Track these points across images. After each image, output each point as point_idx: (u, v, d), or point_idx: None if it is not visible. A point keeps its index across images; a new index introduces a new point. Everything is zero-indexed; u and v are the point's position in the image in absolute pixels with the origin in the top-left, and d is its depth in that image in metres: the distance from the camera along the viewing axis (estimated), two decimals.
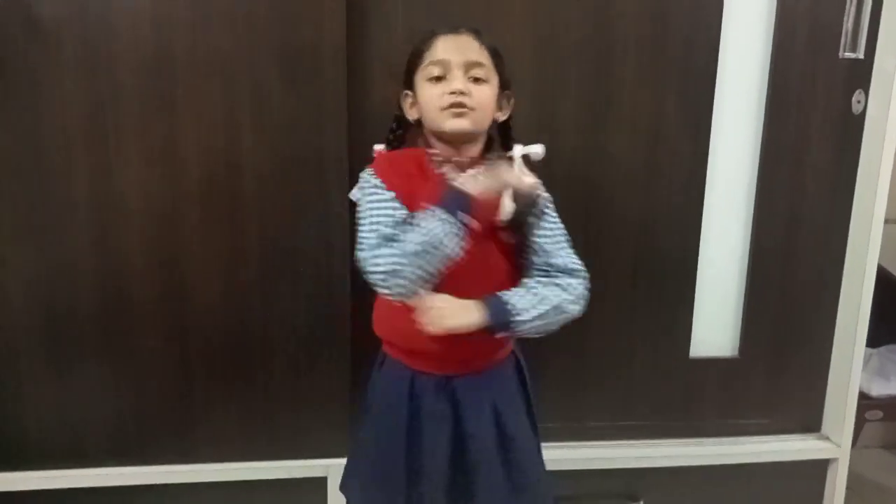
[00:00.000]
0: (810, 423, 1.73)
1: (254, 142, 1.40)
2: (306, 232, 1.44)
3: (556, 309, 1.11)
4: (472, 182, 1.06)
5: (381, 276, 1.02)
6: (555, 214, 1.19)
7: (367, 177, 1.14)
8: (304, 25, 1.36)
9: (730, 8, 1.51)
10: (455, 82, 1.11)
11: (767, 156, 1.59)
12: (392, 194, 1.10)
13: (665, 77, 1.51)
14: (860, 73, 1.57)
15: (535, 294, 1.11)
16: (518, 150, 1.17)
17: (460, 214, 1.03)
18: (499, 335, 1.10)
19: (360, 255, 1.05)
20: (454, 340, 1.08)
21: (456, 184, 1.06)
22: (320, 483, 1.55)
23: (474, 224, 1.05)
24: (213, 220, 1.42)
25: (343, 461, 1.53)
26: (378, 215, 1.08)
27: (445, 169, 1.13)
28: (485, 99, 1.14)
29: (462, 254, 1.05)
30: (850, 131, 1.60)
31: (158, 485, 1.51)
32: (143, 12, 1.33)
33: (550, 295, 1.11)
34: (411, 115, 1.19)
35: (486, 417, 1.18)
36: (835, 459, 1.70)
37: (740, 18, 1.53)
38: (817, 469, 1.72)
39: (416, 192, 1.10)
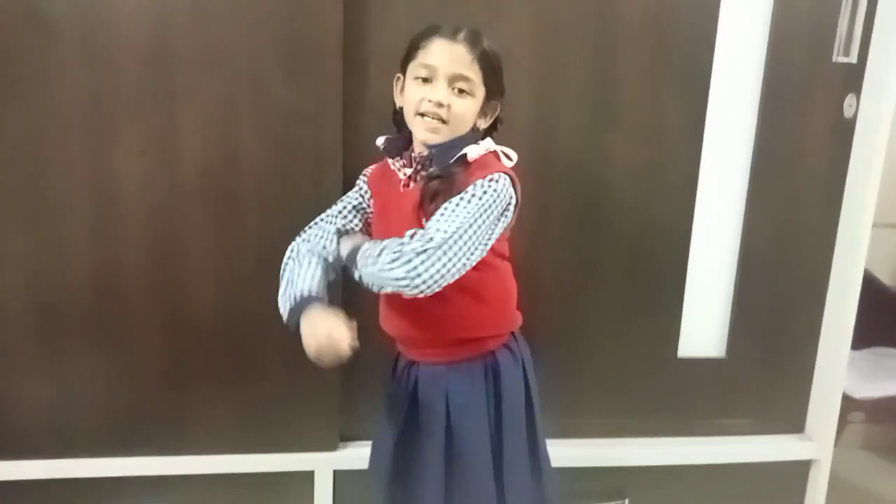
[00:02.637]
0: (795, 423, 1.75)
1: (251, 133, 1.39)
2: (301, 223, 1.42)
3: (379, 265, 1.06)
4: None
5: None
6: (478, 199, 1.09)
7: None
8: (303, 17, 1.35)
9: (726, 12, 1.52)
10: (437, 92, 1.12)
11: (759, 158, 1.60)
12: (356, 188, 1.29)
13: (661, 79, 1.52)
14: (853, 78, 1.58)
15: (380, 245, 1.09)
16: (492, 144, 1.19)
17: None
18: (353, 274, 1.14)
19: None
20: (392, 317, 1.21)
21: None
22: (307, 477, 1.54)
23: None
24: (209, 211, 1.41)
25: (332, 455, 1.54)
26: (335, 205, 1.29)
27: (398, 164, 1.20)
28: (463, 112, 1.14)
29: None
30: (841, 135, 1.61)
31: (148, 476, 1.50)
32: (143, 4, 1.32)
33: (384, 245, 1.08)
34: (399, 100, 1.21)
35: (438, 411, 1.20)
36: (818, 460, 1.72)
37: (736, 22, 1.53)
38: (800, 469, 1.74)
39: (376, 185, 1.25)
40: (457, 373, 1.20)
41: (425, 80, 1.13)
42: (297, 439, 1.53)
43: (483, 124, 1.20)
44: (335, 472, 1.55)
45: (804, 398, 1.74)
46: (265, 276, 1.43)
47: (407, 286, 1.04)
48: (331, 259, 1.21)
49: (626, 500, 1.66)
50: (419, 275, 1.03)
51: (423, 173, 1.16)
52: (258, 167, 1.40)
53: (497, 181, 1.11)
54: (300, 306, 1.14)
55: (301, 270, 1.19)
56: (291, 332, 1.13)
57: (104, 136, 1.35)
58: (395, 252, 1.04)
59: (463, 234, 1.05)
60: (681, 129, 1.55)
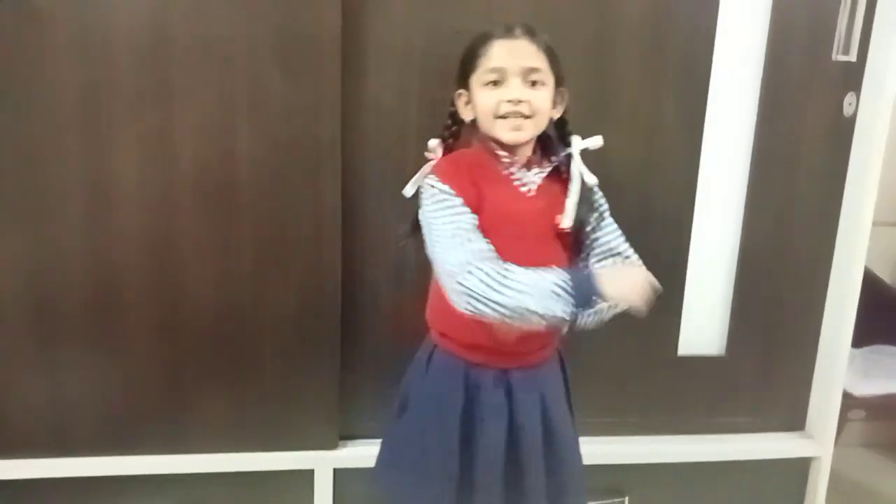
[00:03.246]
0: (795, 421, 1.75)
1: (249, 130, 1.38)
2: (298, 221, 1.43)
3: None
4: (607, 281, 1.05)
5: (466, 296, 1.04)
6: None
7: (433, 182, 1.13)
8: (301, 13, 1.35)
9: (725, 10, 1.51)
10: (513, 90, 1.12)
11: (759, 156, 1.60)
12: (461, 200, 1.11)
13: (660, 78, 1.52)
14: (852, 76, 1.58)
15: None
16: (577, 144, 1.20)
17: (577, 308, 1.04)
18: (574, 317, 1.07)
19: (443, 256, 1.07)
20: (521, 336, 1.12)
21: (593, 276, 1.06)
22: (307, 476, 1.55)
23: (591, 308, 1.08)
24: (206, 209, 1.41)
25: (332, 453, 1.54)
26: (452, 221, 1.09)
27: (513, 170, 1.17)
28: (542, 104, 1.14)
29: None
30: (841, 133, 1.61)
31: (147, 475, 1.50)
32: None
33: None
34: (466, 114, 1.20)
35: (535, 410, 1.20)
36: (818, 458, 1.72)
37: (735, 21, 1.53)
38: (800, 467, 1.74)
39: (484, 194, 1.13)
40: (547, 370, 1.24)
41: (495, 83, 1.13)
42: (297, 438, 1.53)
43: (556, 114, 1.20)
44: (335, 470, 1.55)
45: (804, 396, 1.74)
46: (263, 274, 1.45)
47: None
48: None
49: (626, 499, 1.66)
50: None
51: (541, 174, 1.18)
52: (256, 165, 1.40)
53: None
54: (583, 283, 1.05)
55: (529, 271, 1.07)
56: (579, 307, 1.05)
57: (100, 134, 1.35)
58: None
59: None
60: (680, 128, 1.55)
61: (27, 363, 1.43)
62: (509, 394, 1.19)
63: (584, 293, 1.04)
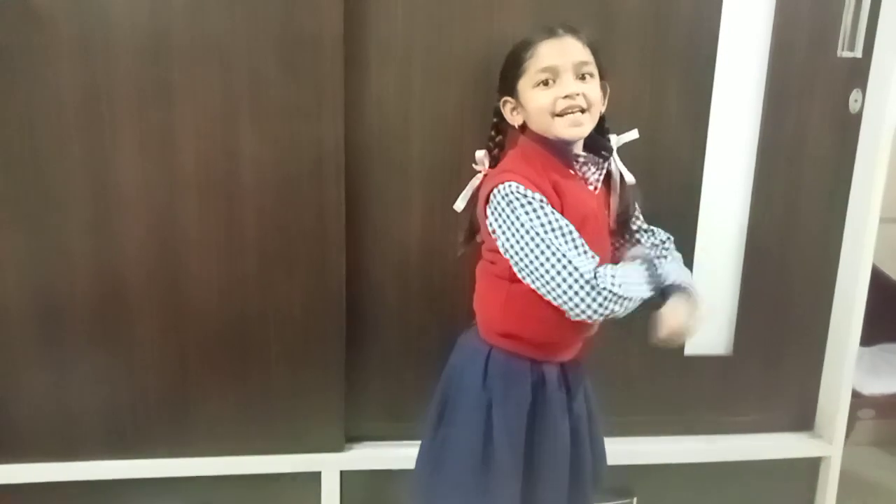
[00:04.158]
0: (803, 420, 1.74)
1: (251, 130, 1.38)
2: (302, 221, 1.43)
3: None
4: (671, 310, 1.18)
5: (602, 299, 1.09)
6: None
7: (518, 190, 1.12)
8: (303, 13, 1.35)
9: (729, 5, 1.51)
10: (568, 86, 1.14)
11: (764, 153, 1.59)
12: (550, 205, 1.13)
13: (664, 74, 1.51)
14: (858, 73, 1.57)
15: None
16: (615, 141, 1.24)
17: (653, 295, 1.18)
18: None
19: (562, 264, 1.09)
20: (585, 333, 1.23)
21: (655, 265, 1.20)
22: (314, 478, 1.54)
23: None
24: (209, 209, 1.41)
25: (338, 455, 1.53)
26: (558, 227, 1.11)
27: (586, 168, 1.20)
28: (596, 96, 1.17)
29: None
30: (846, 130, 1.60)
31: (153, 478, 1.50)
32: None
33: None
34: (515, 120, 1.21)
35: (582, 397, 1.30)
36: (827, 457, 1.71)
37: (739, 16, 1.52)
38: (810, 466, 1.73)
39: (563, 194, 1.15)
40: (584, 367, 1.31)
41: (546, 82, 1.15)
42: (303, 440, 1.53)
43: (603, 107, 1.22)
44: (342, 472, 1.54)
45: (813, 395, 1.73)
46: (267, 274, 1.44)
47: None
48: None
49: (634, 499, 1.65)
50: None
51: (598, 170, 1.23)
52: (259, 165, 1.40)
53: None
54: (669, 288, 1.20)
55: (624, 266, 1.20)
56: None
57: (103, 135, 1.35)
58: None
59: None
60: (684, 125, 1.54)
61: (33, 366, 1.43)
62: (567, 388, 1.27)
63: (657, 282, 1.18)
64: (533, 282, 1.12)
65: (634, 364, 1.64)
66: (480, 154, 1.25)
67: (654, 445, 1.66)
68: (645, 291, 1.15)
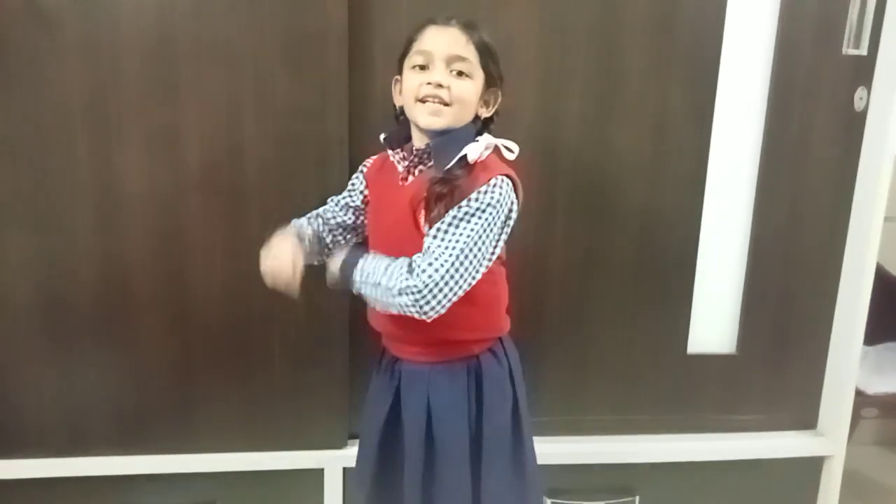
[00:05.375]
0: (807, 419, 1.74)
1: (256, 128, 1.39)
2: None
3: (382, 289, 1.08)
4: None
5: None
6: (481, 213, 1.08)
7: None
8: (307, 11, 1.35)
9: (734, 3, 1.50)
10: (435, 74, 1.11)
11: (769, 152, 1.58)
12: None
13: (668, 72, 1.51)
14: (863, 70, 1.56)
15: (383, 266, 1.09)
16: (491, 139, 1.16)
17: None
18: (343, 287, 1.13)
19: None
20: (378, 313, 1.18)
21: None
22: (317, 475, 1.55)
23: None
24: (214, 207, 1.41)
25: (341, 452, 1.54)
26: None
27: (399, 158, 1.18)
28: (464, 94, 1.13)
29: None
30: (851, 128, 1.59)
31: (156, 474, 1.50)
32: None
33: (389, 272, 1.07)
34: (398, 101, 1.20)
35: (419, 410, 1.19)
36: (830, 456, 1.71)
37: (744, 14, 1.52)
38: (813, 465, 1.73)
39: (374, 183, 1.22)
40: (438, 373, 1.19)
41: (422, 67, 1.13)
42: (306, 437, 1.53)
43: (485, 113, 1.19)
44: (345, 469, 1.55)
45: (816, 394, 1.73)
46: None
47: (416, 312, 1.06)
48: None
49: (637, 498, 1.65)
50: (427, 302, 1.04)
51: (422, 167, 1.15)
52: (264, 163, 1.40)
53: (500, 187, 1.09)
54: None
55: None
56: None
57: (109, 134, 1.36)
58: (401, 281, 1.05)
59: (468, 254, 1.06)
60: (689, 123, 1.54)
61: (40, 363, 1.44)
62: (397, 382, 1.23)
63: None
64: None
65: (637, 362, 1.64)
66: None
67: (657, 444, 1.66)
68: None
